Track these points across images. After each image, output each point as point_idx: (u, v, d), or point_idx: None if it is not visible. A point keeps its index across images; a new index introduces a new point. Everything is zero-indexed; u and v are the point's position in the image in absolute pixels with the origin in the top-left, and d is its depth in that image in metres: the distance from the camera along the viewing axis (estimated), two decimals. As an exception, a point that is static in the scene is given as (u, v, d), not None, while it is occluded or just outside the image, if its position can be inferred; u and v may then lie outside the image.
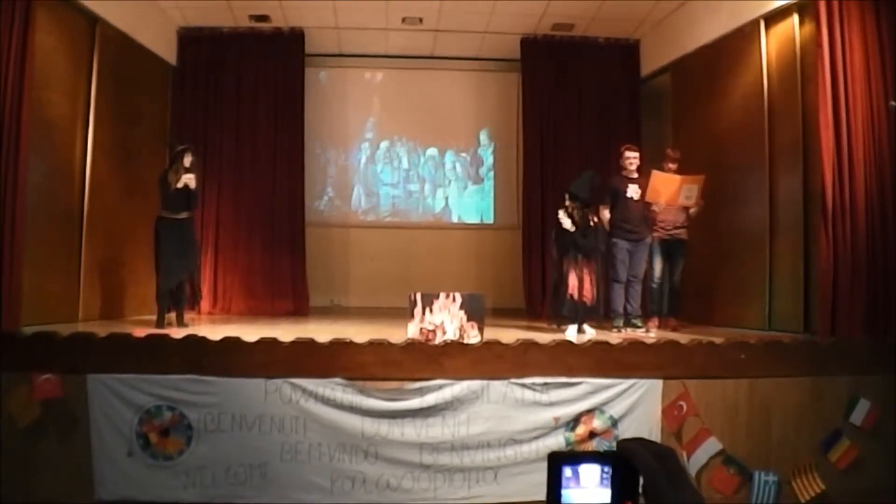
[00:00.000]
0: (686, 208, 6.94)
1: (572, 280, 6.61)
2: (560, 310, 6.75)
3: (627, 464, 1.13)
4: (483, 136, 10.43)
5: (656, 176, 6.74)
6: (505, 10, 8.63)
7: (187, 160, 6.75)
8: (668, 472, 1.09)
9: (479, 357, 5.09)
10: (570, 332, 6.50)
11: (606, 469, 1.16)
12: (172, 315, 6.81)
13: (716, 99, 7.88)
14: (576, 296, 6.60)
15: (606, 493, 1.16)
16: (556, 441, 5.03)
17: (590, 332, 6.51)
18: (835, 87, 5.83)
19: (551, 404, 5.03)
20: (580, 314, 6.63)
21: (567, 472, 1.17)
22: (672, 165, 6.94)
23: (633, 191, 6.82)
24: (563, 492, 1.17)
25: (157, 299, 6.72)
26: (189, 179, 6.67)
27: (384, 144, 10.35)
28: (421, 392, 4.96)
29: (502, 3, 8.43)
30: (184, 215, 6.75)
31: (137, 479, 4.80)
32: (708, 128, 8.01)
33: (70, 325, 6.55)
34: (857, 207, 5.74)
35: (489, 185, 10.45)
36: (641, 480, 1.12)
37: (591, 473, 1.16)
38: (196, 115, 9.15)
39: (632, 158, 6.91)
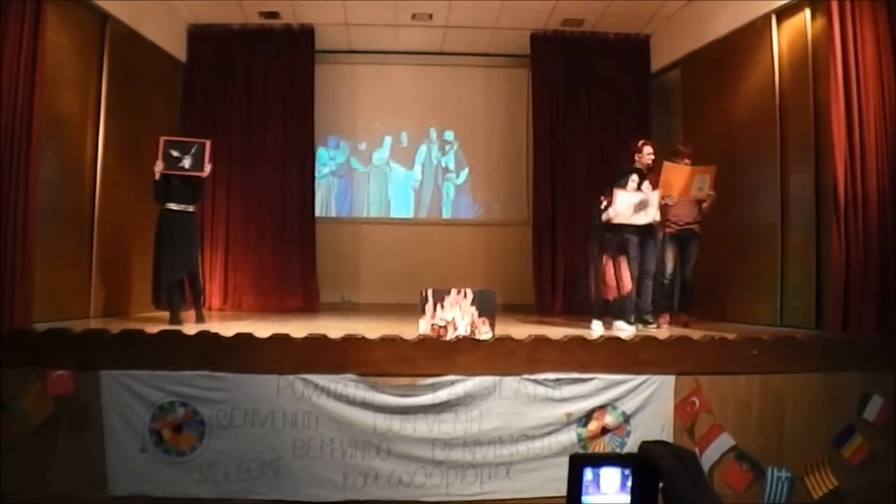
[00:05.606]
0: (699, 202, 6.91)
1: (610, 272, 6.53)
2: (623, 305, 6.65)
3: (648, 466, 1.13)
4: (492, 132, 10.40)
5: (668, 168, 6.72)
6: (514, 6, 8.61)
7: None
8: (690, 475, 1.10)
9: (490, 353, 5.09)
10: (625, 327, 6.45)
11: (627, 472, 1.16)
12: (191, 311, 6.92)
13: (727, 94, 7.85)
14: (622, 290, 6.54)
15: (626, 498, 1.16)
16: (569, 437, 5.03)
17: (598, 330, 6.44)
18: (847, 83, 5.80)
19: (563, 400, 5.03)
20: (601, 307, 6.62)
21: (588, 474, 1.17)
22: (684, 161, 6.91)
23: (644, 186, 6.80)
24: (583, 497, 1.17)
25: (157, 295, 6.76)
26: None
27: (393, 140, 10.33)
28: (433, 388, 4.97)
29: (512, -1, 8.42)
30: (189, 208, 6.79)
31: (150, 475, 4.83)
32: (719, 123, 7.98)
33: (82, 321, 6.59)
34: (869, 203, 5.71)
35: (499, 180, 10.43)
36: (662, 483, 1.12)
37: (611, 477, 1.16)
38: (206, 112, 9.16)
39: (650, 153, 6.88)
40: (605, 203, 6.58)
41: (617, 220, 6.47)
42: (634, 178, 6.61)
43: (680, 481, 1.09)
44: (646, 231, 6.73)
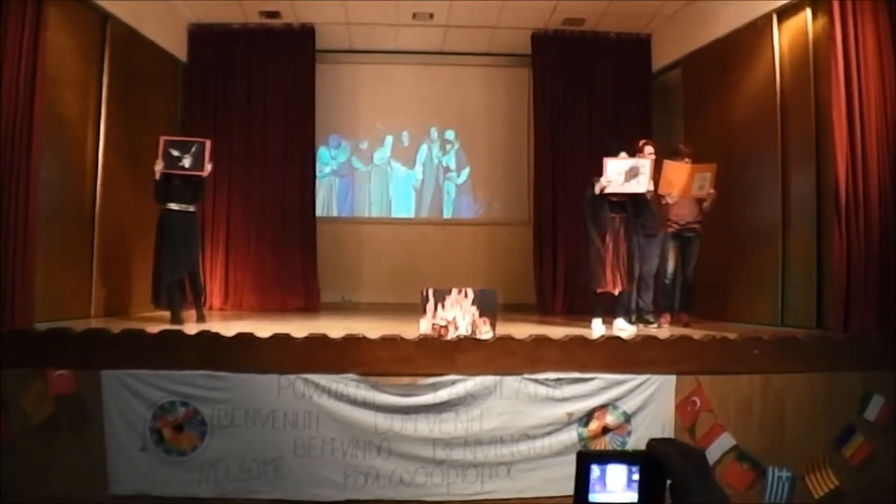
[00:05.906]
0: (700, 201, 6.90)
1: (610, 262, 6.39)
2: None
3: (655, 464, 1.13)
4: (493, 132, 10.39)
5: (668, 166, 6.71)
6: (515, 6, 8.60)
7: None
8: (697, 473, 1.09)
9: (491, 352, 5.09)
10: (625, 326, 6.39)
11: (634, 469, 1.16)
12: (192, 311, 6.92)
13: (728, 94, 7.84)
14: (622, 285, 6.43)
15: (633, 496, 1.15)
16: (570, 436, 5.02)
17: (598, 329, 6.33)
18: (848, 82, 5.79)
19: (564, 400, 5.03)
20: (599, 304, 6.56)
21: (595, 471, 1.16)
22: (685, 160, 6.89)
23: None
24: (590, 495, 1.16)
25: (157, 295, 6.75)
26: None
27: (394, 140, 10.33)
28: (434, 387, 4.97)
29: (512, -2, 8.42)
30: (190, 208, 6.79)
31: (151, 475, 4.83)
32: (720, 123, 7.98)
33: (83, 321, 6.59)
34: (870, 203, 5.70)
35: (499, 180, 10.42)
36: (669, 481, 1.11)
37: (618, 474, 1.16)
38: (206, 111, 9.15)
39: (651, 153, 6.85)
40: (596, 179, 6.47)
41: (610, 189, 6.36)
42: (623, 154, 6.55)
43: (687, 479, 1.09)
44: (640, 207, 6.59)
